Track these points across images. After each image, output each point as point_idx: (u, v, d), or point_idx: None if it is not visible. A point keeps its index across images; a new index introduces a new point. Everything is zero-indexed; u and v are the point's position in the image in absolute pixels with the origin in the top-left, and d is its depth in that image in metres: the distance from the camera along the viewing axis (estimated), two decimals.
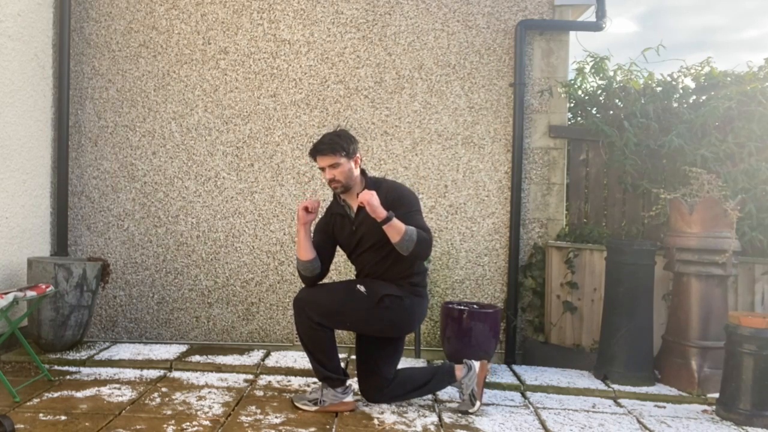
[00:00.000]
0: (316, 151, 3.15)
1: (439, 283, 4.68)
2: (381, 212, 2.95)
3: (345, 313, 3.15)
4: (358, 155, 3.20)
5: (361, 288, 3.17)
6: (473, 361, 3.38)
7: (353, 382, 3.42)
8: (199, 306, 4.70)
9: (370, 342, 3.30)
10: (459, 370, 3.34)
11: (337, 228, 3.30)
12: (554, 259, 4.53)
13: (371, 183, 3.23)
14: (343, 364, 3.36)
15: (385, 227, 2.97)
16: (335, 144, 3.11)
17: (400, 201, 3.11)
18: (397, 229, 2.96)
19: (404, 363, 4.18)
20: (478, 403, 3.30)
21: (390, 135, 4.68)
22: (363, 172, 3.28)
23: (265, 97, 4.70)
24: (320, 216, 3.40)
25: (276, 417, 3.16)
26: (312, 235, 3.28)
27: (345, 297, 3.17)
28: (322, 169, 3.17)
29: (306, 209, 3.16)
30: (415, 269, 3.24)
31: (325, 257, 3.28)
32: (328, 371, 3.21)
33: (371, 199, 2.96)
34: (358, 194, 3.08)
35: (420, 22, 4.70)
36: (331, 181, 3.16)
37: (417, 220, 3.08)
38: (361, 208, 3.12)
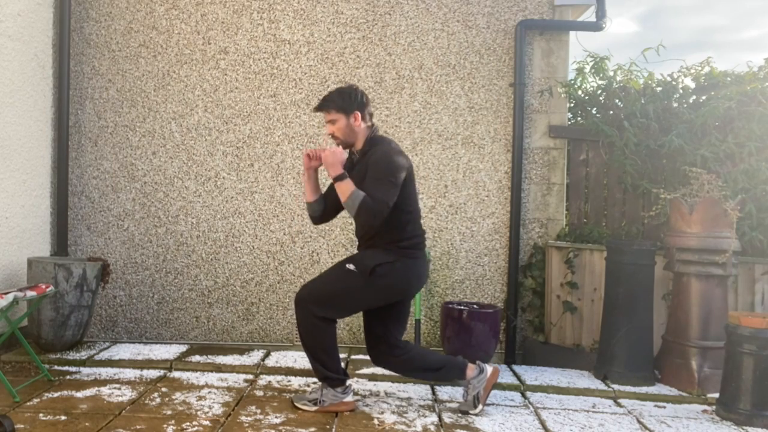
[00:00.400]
0: (317, 107, 3.26)
1: (439, 283, 4.68)
2: (334, 171, 3.08)
3: (343, 296, 3.16)
4: (357, 112, 3.19)
5: (350, 266, 3.17)
6: (487, 365, 3.37)
7: (353, 382, 3.42)
8: (199, 306, 4.70)
9: (375, 308, 3.29)
10: (471, 370, 3.33)
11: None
12: (554, 259, 4.53)
13: (369, 141, 3.23)
14: (342, 364, 3.36)
15: (335, 185, 3.09)
16: (331, 100, 3.20)
17: (373, 165, 3.11)
18: (343, 190, 3.05)
19: None
20: (480, 407, 3.29)
21: (390, 135, 4.67)
22: (373, 129, 3.26)
23: (265, 97, 4.70)
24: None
25: (276, 417, 3.16)
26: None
27: (338, 280, 3.18)
28: (326, 123, 3.28)
29: (308, 156, 3.26)
30: (405, 234, 3.20)
31: (332, 203, 3.33)
32: (328, 371, 3.21)
33: (328, 156, 3.10)
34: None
35: (420, 22, 4.70)
36: (331, 136, 3.25)
37: (374, 187, 3.05)
38: (359, 161, 3.20)
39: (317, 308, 3.13)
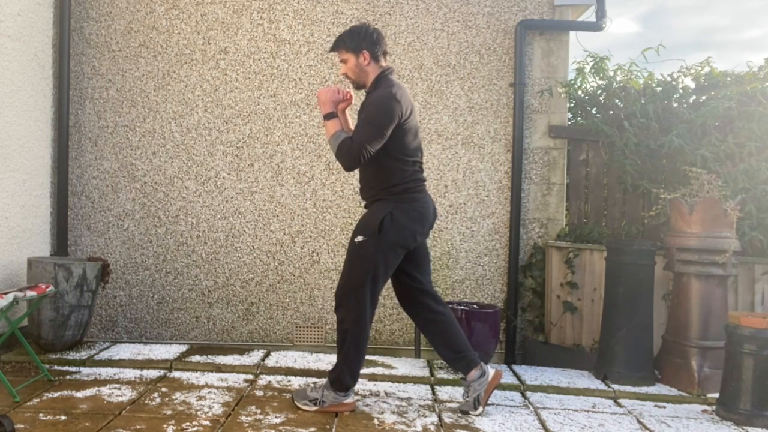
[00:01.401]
0: (331, 48, 3.27)
1: (439, 283, 4.68)
2: (324, 109, 3.16)
3: (368, 267, 3.12)
4: (366, 51, 3.17)
5: (359, 238, 3.15)
6: (489, 367, 3.36)
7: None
8: (199, 306, 4.70)
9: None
10: (475, 370, 3.32)
11: None
12: (554, 259, 4.53)
13: (376, 82, 3.20)
14: None
15: (324, 123, 3.17)
16: (341, 40, 3.22)
17: (365, 107, 3.13)
18: (328, 129, 3.14)
19: (404, 362, 4.19)
20: (480, 409, 3.29)
21: None
22: (383, 70, 3.21)
23: (265, 97, 4.70)
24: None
25: (276, 417, 3.16)
26: None
27: (356, 257, 3.16)
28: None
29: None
30: (396, 180, 3.16)
31: None
32: (352, 380, 3.21)
33: (321, 93, 3.17)
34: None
35: (420, 22, 4.70)
36: (345, 76, 3.26)
37: (358, 129, 3.07)
38: (365, 103, 3.20)
39: (360, 294, 3.11)
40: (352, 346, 3.17)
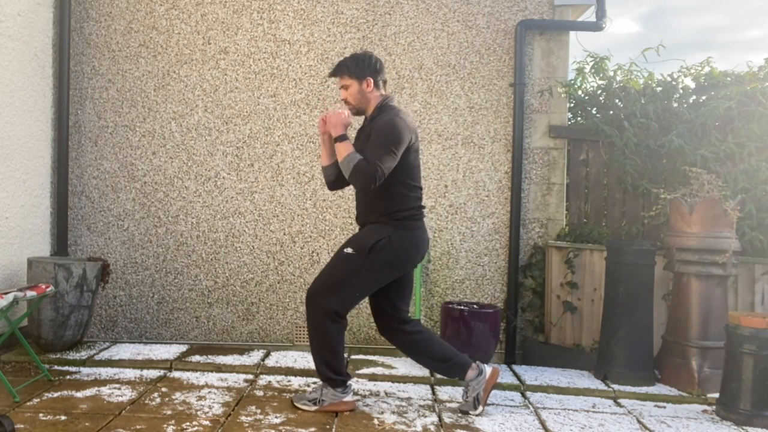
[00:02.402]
0: (331, 72, 3.28)
1: (439, 283, 4.68)
2: (335, 132, 3.14)
3: (349, 281, 3.14)
4: (369, 78, 3.20)
5: (349, 250, 3.17)
6: (486, 366, 3.36)
7: (353, 382, 3.42)
8: (199, 306, 4.70)
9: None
10: (471, 370, 3.32)
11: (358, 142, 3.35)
12: (554, 259, 4.53)
13: (379, 108, 3.22)
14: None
15: (335, 146, 3.14)
16: (343, 66, 3.23)
17: (377, 130, 3.12)
18: (341, 151, 3.11)
19: (404, 362, 4.19)
20: (480, 408, 3.29)
21: None
22: (385, 98, 3.25)
23: (265, 97, 4.70)
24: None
25: (276, 417, 3.16)
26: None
27: (340, 267, 3.17)
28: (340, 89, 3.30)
29: (324, 120, 3.26)
30: (401, 206, 3.18)
31: None
32: (332, 372, 3.21)
33: (332, 117, 3.15)
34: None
35: (420, 22, 4.70)
36: (345, 102, 3.27)
37: (372, 151, 3.06)
38: (364, 130, 3.22)
39: (327, 302, 3.12)
40: (324, 344, 3.18)
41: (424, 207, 3.31)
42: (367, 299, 3.35)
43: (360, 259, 3.12)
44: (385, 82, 3.29)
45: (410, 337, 3.30)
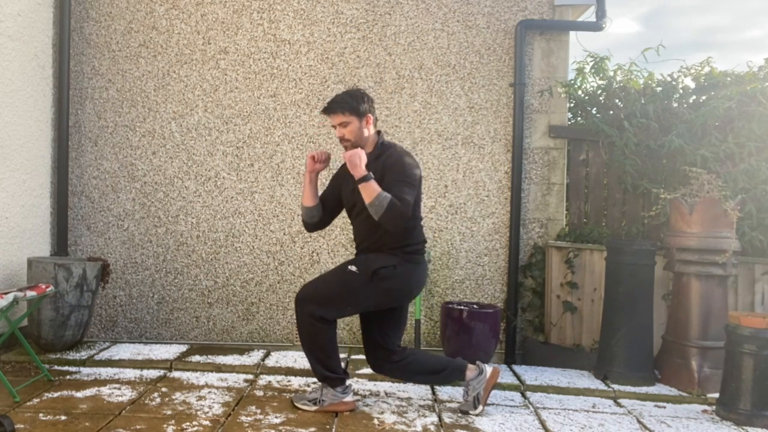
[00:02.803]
0: (325, 109, 3.21)
1: (439, 283, 4.68)
2: (359, 171, 3.02)
3: (343, 297, 3.15)
4: (369, 115, 3.20)
5: (353, 268, 3.17)
6: (486, 365, 3.36)
7: (353, 382, 3.42)
8: (199, 306, 4.70)
9: (373, 313, 3.29)
10: (470, 371, 3.33)
11: (344, 184, 3.32)
12: (554, 259, 4.53)
13: (380, 145, 3.23)
14: (342, 364, 3.36)
15: (360, 187, 3.04)
16: (344, 102, 3.16)
17: (393, 167, 3.11)
18: (369, 191, 3.01)
19: None
20: (480, 407, 3.29)
21: (390, 135, 4.68)
22: (379, 133, 3.27)
23: (265, 97, 4.70)
24: (338, 169, 3.45)
25: (276, 417, 3.16)
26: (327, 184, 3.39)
27: (339, 281, 3.18)
28: (333, 127, 3.22)
29: (313, 158, 3.23)
30: (410, 240, 3.21)
31: (329, 208, 3.34)
32: (327, 371, 3.20)
33: (353, 156, 3.04)
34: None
35: (420, 22, 4.70)
36: (341, 139, 3.21)
37: (398, 189, 3.04)
38: (368, 168, 3.17)
39: (316, 308, 3.13)
40: (314, 345, 3.18)
41: (426, 242, 3.35)
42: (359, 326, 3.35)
43: (361, 280, 3.13)
44: (376, 119, 3.29)
45: (399, 365, 3.30)
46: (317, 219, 3.34)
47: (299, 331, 3.22)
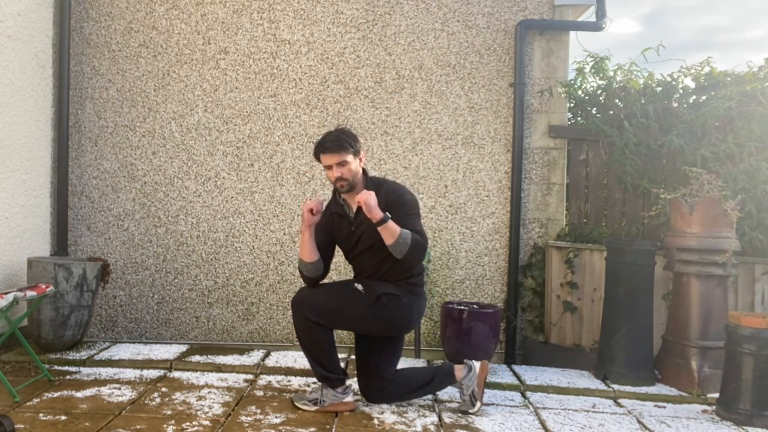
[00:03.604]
0: (324, 149, 3.10)
1: (439, 283, 4.68)
2: (377, 213, 2.95)
3: (343, 312, 3.15)
4: (362, 153, 3.20)
5: (359, 287, 3.17)
6: (474, 361, 3.38)
7: (353, 382, 3.42)
8: (199, 306, 4.70)
9: (370, 342, 3.30)
10: (459, 371, 3.34)
11: (336, 227, 3.29)
12: (554, 259, 4.53)
13: (372, 183, 3.21)
14: (342, 364, 3.36)
15: (380, 228, 2.98)
16: (343, 141, 3.09)
17: (398, 203, 3.11)
18: (391, 232, 2.97)
19: (404, 363, 4.18)
20: (478, 404, 3.30)
21: (390, 135, 4.68)
22: (364, 171, 3.26)
23: (265, 97, 4.70)
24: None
25: (276, 417, 3.16)
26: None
27: (343, 296, 3.18)
28: (329, 167, 3.12)
29: (311, 211, 3.10)
30: (414, 270, 3.24)
31: (325, 257, 3.27)
32: (326, 371, 3.20)
33: (368, 199, 2.95)
34: (357, 194, 3.07)
35: (420, 22, 4.70)
36: (338, 180, 3.11)
37: (414, 223, 3.07)
38: (360, 208, 3.09)
39: (314, 315, 3.12)
40: (312, 346, 3.18)
41: (424, 270, 3.39)
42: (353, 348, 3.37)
43: (364, 301, 3.13)
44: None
45: (390, 387, 3.30)
46: (321, 273, 3.22)
47: (297, 333, 3.22)
